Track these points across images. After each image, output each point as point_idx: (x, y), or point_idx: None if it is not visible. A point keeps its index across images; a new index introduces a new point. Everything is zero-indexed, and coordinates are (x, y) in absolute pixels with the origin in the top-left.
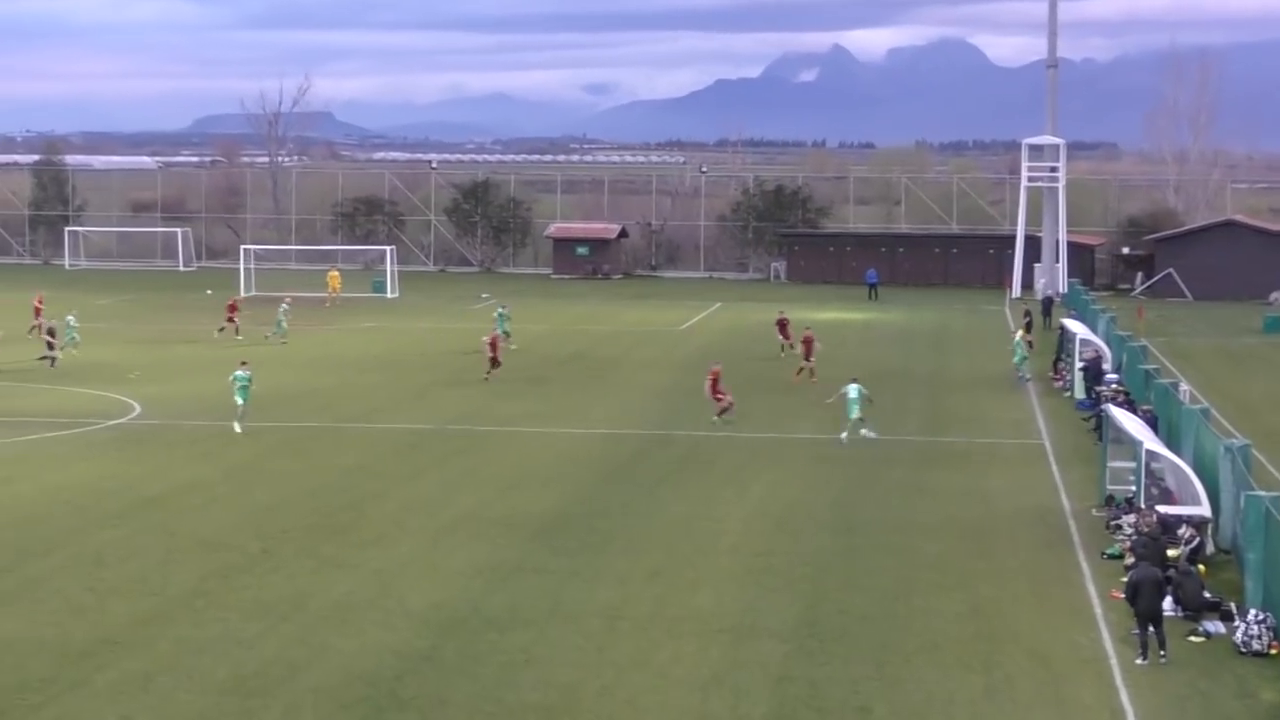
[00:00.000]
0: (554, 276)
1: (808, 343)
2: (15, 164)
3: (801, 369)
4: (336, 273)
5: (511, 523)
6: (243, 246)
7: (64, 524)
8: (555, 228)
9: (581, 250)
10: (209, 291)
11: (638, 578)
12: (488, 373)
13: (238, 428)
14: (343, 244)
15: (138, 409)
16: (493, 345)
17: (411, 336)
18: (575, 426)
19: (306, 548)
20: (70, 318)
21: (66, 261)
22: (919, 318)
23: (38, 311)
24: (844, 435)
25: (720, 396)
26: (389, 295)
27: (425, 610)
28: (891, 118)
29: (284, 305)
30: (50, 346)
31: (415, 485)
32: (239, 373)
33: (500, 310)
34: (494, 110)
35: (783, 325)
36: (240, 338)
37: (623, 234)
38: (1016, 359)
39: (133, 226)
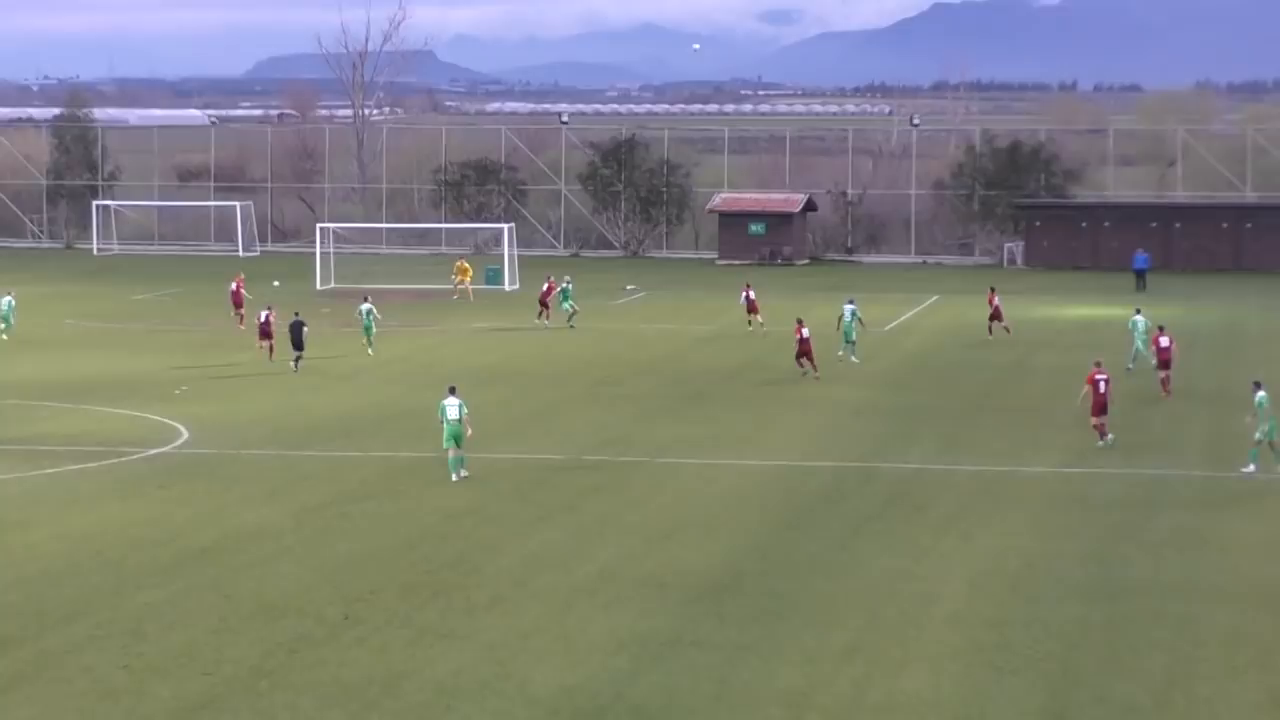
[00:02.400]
0: (719, 263)
1: (1160, 345)
2: (30, 120)
3: (1164, 379)
4: (466, 263)
5: (665, 582)
6: (319, 225)
7: (92, 582)
8: (721, 199)
9: (755, 228)
10: (277, 283)
11: (830, 655)
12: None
13: (463, 473)
14: (447, 221)
15: (185, 434)
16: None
17: (537, 340)
18: (747, 457)
19: (401, 614)
20: (365, 306)
21: (95, 244)
22: (1200, 315)
23: (238, 298)
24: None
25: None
26: (507, 287)
27: (554, 695)
28: (1164, 51)
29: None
30: (297, 346)
31: (541, 533)
32: (450, 400)
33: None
34: (642, 47)
35: (995, 310)
36: (548, 324)
37: (809, 207)
38: (1138, 343)
39: (179, 200)
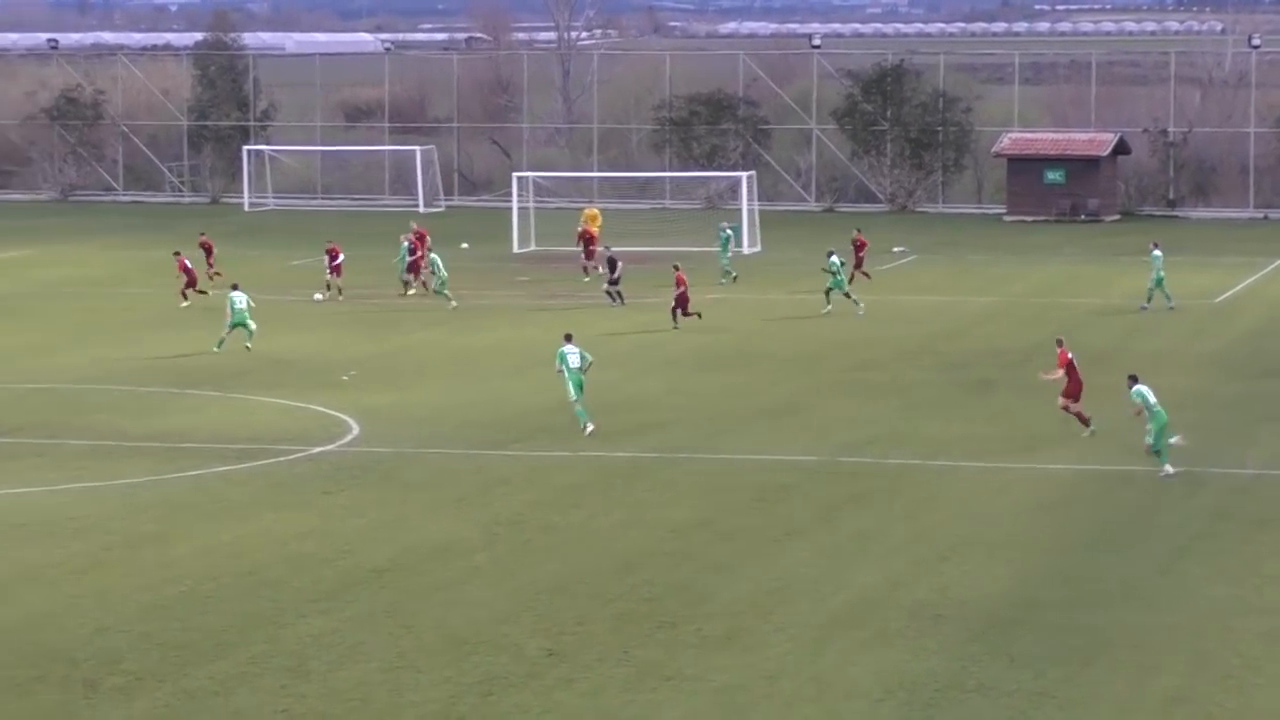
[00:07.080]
0: (1007, 218)
1: None
2: (168, 47)
3: None
4: (594, 209)
5: (942, 614)
6: (516, 174)
7: (244, 608)
8: (1010, 140)
9: (1053, 176)
10: (465, 245)
11: (1148, 706)
12: None
13: (590, 427)
14: (672, 169)
15: (354, 429)
16: None
17: (781, 315)
18: (1044, 460)
19: (616, 649)
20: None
21: (246, 199)
22: None
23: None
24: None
25: None
26: (746, 250)
27: None
28: None
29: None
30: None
31: (788, 553)
32: (570, 348)
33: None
34: None
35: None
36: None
37: (1121, 149)
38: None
39: (346, 144)
